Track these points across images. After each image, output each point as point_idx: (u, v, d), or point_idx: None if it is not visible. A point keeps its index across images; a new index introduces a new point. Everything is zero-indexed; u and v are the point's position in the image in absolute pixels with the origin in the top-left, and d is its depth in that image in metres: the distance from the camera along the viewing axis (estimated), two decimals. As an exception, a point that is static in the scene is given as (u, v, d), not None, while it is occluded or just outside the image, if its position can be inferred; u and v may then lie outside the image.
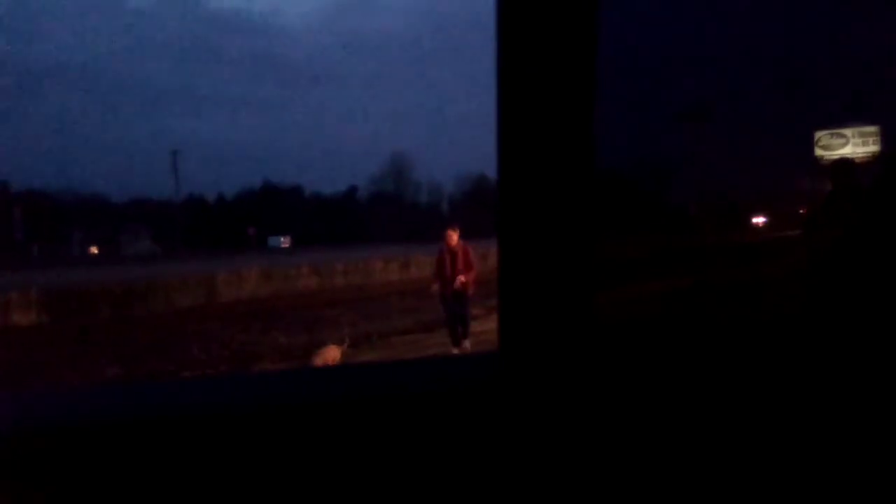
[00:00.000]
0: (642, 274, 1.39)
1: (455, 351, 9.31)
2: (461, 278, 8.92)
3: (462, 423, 1.00)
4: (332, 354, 7.84)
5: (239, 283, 18.52)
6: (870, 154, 1.43)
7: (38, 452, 0.89)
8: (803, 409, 1.11)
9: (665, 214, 1.48)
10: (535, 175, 1.00)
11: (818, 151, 1.43)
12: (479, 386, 1.05)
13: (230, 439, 0.95)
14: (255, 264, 21.65)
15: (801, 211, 1.66)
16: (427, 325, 11.94)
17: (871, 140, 1.44)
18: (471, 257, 9.17)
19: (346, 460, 0.97)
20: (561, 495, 1.03)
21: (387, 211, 66.74)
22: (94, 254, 55.11)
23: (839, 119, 1.42)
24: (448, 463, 1.00)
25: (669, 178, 1.42)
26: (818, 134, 1.42)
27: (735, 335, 1.24)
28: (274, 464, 0.95)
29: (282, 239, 62.35)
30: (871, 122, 1.43)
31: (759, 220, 1.54)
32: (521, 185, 1.01)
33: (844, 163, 1.43)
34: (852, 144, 1.44)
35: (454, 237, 9.12)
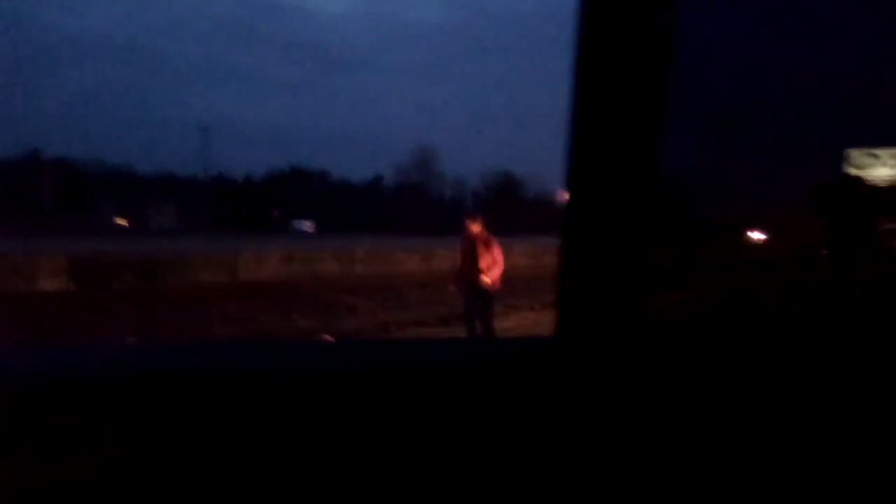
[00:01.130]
0: (694, 279, 1.41)
1: None
2: (485, 279, 8.22)
3: (511, 403, 1.04)
4: None
5: (261, 264, 18.68)
6: None
7: (43, 405, 0.93)
8: (853, 415, 1.13)
9: (712, 222, 1.49)
10: (602, 177, 1.04)
11: (850, 170, 1.44)
12: (530, 368, 1.08)
13: (278, 405, 0.98)
14: (277, 246, 21.82)
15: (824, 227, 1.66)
16: (445, 318, 11.96)
17: (904, 162, 1.44)
18: (495, 251, 8.38)
19: (392, 433, 1.00)
20: (599, 479, 1.07)
21: (411, 202, 66.75)
22: (120, 225, 55.81)
23: (873, 139, 1.43)
24: (494, 440, 1.03)
25: (715, 185, 1.44)
26: (851, 152, 1.43)
27: (781, 341, 1.26)
28: (319, 432, 0.99)
29: (305, 223, 62.61)
30: None
31: (757, 235, 1.54)
32: (588, 186, 1.05)
33: (855, 181, 1.43)
34: (887, 166, 1.44)
35: (474, 227, 8.42)
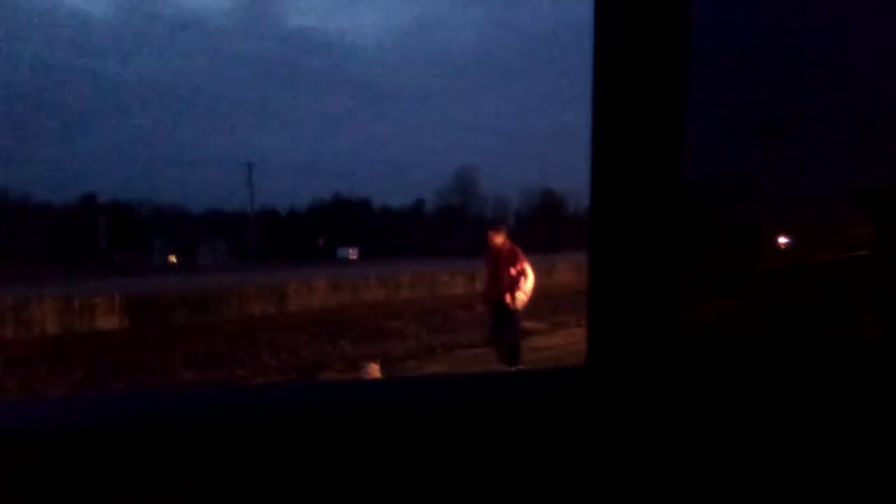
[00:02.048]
0: (725, 292, 1.37)
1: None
2: (520, 295, 7.38)
3: (549, 435, 1.02)
4: (373, 370, 8.01)
5: (308, 294, 18.95)
6: None
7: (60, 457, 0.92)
8: (890, 435, 1.09)
9: (747, 232, 1.46)
10: (626, 192, 1.03)
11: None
12: (566, 399, 1.06)
13: (321, 446, 0.99)
14: (324, 275, 22.10)
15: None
16: (492, 339, 11.90)
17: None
18: (521, 263, 7.43)
19: (430, 470, 1.00)
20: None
21: (453, 224, 66.96)
22: (172, 262, 57.34)
23: None
24: (533, 472, 1.02)
25: (752, 193, 1.41)
26: None
27: (819, 357, 1.22)
28: (360, 469, 0.99)
29: (350, 251, 63.41)
30: None
31: (783, 240, 1.49)
32: (613, 203, 1.03)
33: None
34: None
35: (497, 239, 7.58)
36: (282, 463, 0.97)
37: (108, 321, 14.64)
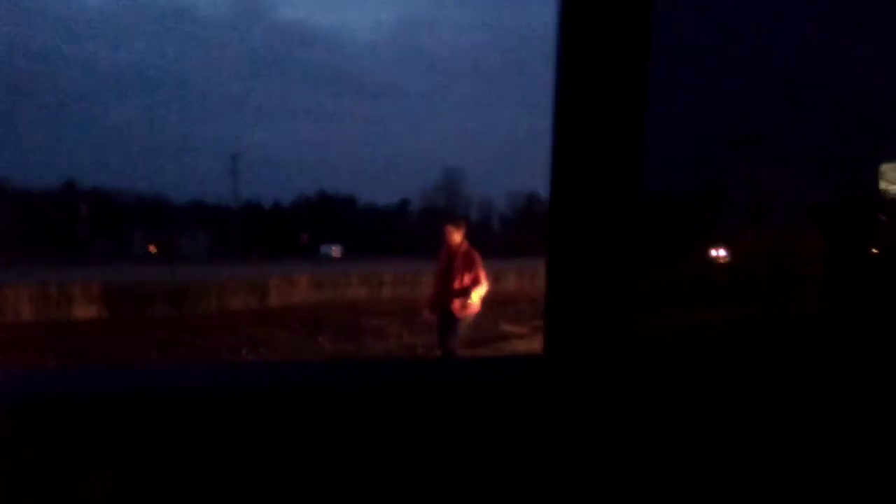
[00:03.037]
0: (675, 297, 1.41)
1: None
2: (456, 303, 6.40)
3: (504, 418, 1.07)
4: None
5: (290, 290, 18.85)
6: None
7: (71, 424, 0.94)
8: (834, 434, 1.12)
9: (711, 240, 1.49)
10: (584, 198, 1.06)
11: (883, 184, 1.41)
12: (522, 385, 1.11)
13: (309, 421, 1.01)
14: (306, 272, 22.01)
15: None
16: (472, 341, 11.92)
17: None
18: (477, 271, 6.46)
19: (384, 449, 1.03)
20: (583, 492, 1.09)
21: (437, 225, 67.12)
22: (153, 252, 56.94)
23: None
24: (485, 452, 1.06)
25: (721, 203, 1.42)
26: (884, 167, 1.40)
27: (763, 359, 1.26)
28: (319, 447, 1.01)
29: (333, 248, 63.28)
30: None
31: (719, 253, 1.51)
32: (572, 207, 1.07)
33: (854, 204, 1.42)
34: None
35: (455, 236, 6.54)
36: (247, 438, 0.99)
37: (85, 311, 14.47)
